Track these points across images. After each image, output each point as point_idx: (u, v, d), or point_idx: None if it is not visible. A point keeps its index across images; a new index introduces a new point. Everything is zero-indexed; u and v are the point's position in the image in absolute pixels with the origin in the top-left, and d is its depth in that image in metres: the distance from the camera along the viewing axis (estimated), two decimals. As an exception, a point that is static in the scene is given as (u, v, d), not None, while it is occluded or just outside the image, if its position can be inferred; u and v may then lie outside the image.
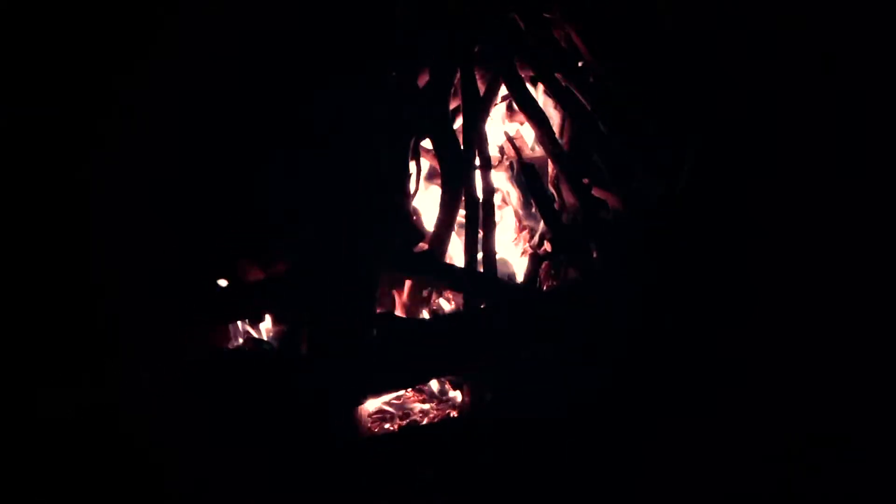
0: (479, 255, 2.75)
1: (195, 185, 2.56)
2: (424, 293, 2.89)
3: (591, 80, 2.91)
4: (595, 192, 2.89)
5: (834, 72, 2.55)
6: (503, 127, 3.25)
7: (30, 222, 2.34)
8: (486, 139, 2.89)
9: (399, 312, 2.81)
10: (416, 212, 2.94)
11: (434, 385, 2.90)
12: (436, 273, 2.75)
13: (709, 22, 2.61)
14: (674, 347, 2.35)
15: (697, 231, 2.59)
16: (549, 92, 2.94)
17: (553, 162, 2.94)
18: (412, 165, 2.82)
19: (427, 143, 2.90)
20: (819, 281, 2.40)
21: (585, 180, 2.88)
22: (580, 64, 2.96)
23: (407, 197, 2.80)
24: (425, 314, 2.90)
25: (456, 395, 2.81)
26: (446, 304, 3.02)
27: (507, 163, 3.27)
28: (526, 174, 2.94)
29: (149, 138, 2.40)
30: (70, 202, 2.36)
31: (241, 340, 2.75)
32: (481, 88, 2.89)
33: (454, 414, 2.76)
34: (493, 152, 3.04)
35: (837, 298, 2.38)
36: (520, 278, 3.05)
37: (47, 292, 2.31)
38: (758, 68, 2.55)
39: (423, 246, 2.81)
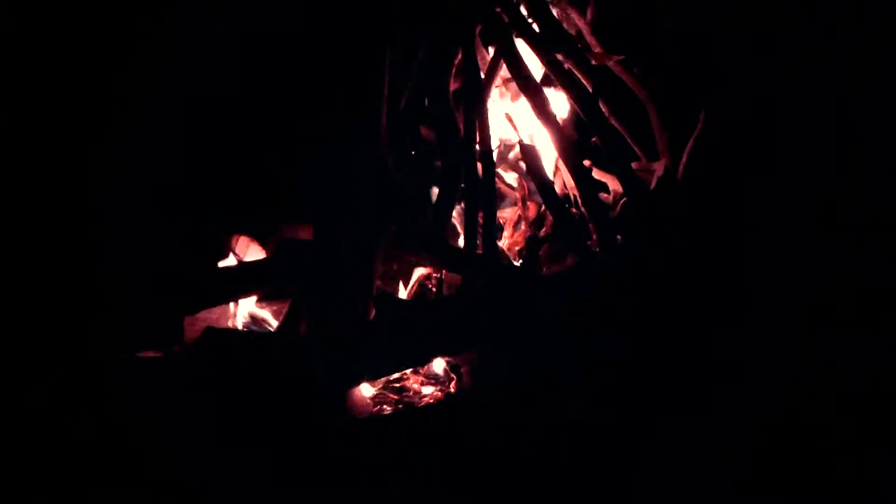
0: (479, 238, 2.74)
1: (196, 169, 2.57)
2: (423, 274, 2.92)
3: (593, 62, 2.90)
4: (595, 174, 2.90)
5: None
6: (504, 108, 3.24)
7: (29, 219, 2.34)
8: (487, 120, 2.88)
9: (398, 293, 2.83)
10: (416, 192, 2.95)
11: (433, 367, 2.92)
12: (435, 253, 2.74)
13: (709, 22, 2.59)
14: (674, 347, 2.37)
15: (697, 231, 2.60)
16: (551, 73, 2.92)
17: (554, 144, 2.94)
18: (412, 146, 2.82)
19: (428, 124, 2.89)
20: (819, 281, 2.42)
21: (587, 162, 2.88)
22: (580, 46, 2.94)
23: (407, 177, 2.80)
24: (424, 295, 2.91)
25: (454, 378, 2.84)
26: (445, 286, 3.04)
27: (508, 144, 3.27)
28: (526, 156, 2.94)
29: (149, 134, 2.40)
30: (69, 198, 2.37)
31: (239, 321, 2.75)
32: (482, 69, 2.88)
33: (452, 396, 2.78)
34: (494, 134, 3.03)
35: (838, 298, 2.40)
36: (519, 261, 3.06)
37: (47, 288, 2.32)
38: (758, 68, 2.54)
39: (422, 227, 2.81)
